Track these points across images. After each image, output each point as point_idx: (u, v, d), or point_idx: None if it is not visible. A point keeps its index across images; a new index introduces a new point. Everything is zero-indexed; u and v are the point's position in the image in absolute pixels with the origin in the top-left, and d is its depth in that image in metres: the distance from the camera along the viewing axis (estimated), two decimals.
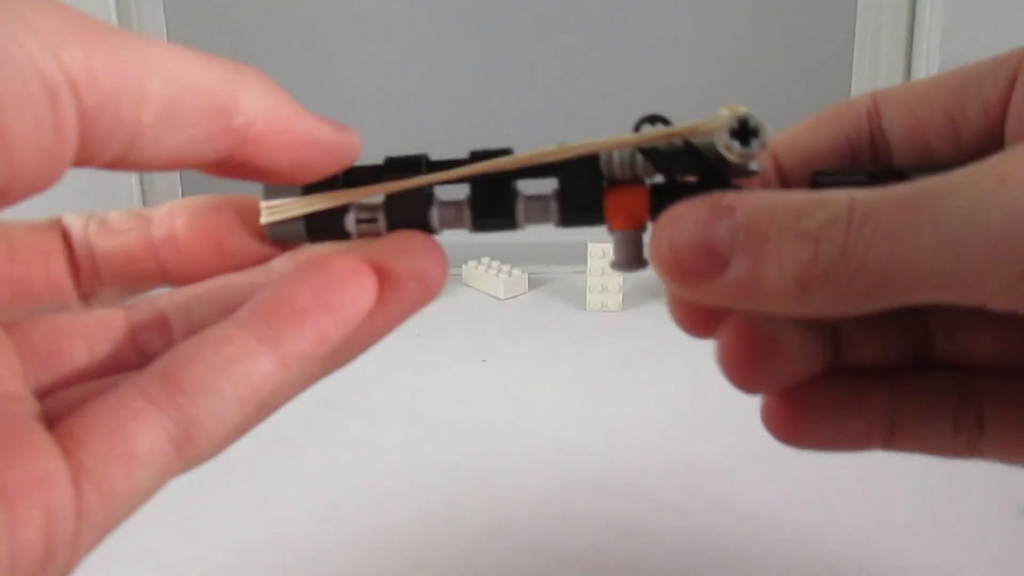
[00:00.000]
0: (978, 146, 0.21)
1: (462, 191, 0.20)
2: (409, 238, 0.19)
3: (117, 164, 0.16)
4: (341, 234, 0.20)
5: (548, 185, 0.20)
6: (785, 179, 0.22)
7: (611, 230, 0.20)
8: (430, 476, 0.48)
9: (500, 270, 0.79)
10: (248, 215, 0.20)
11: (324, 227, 0.20)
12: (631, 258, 0.20)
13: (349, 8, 0.86)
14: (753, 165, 0.19)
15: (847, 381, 0.22)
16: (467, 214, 0.20)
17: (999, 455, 0.21)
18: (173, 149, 0.16)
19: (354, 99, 0.88)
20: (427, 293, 0.19)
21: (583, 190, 0.20)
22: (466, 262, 0.81)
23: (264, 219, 0.20)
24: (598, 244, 0.74)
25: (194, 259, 0.20)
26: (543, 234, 0.89)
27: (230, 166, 0.18)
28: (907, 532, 0.42)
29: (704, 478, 0.46)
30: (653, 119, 0.19)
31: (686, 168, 0.19)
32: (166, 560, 0.41)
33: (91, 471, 0.15)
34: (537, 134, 0.88)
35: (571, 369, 0.61)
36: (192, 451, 0.16)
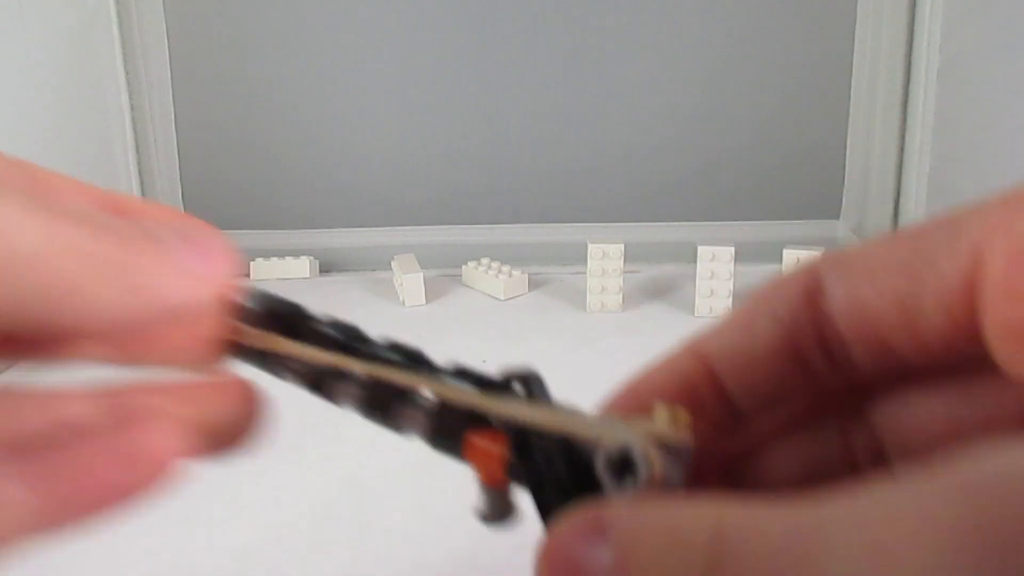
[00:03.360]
0: (947, 353, 0.15)
1: None
2: (231, 392, 0.17)
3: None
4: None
5: None
6: (727, 401, 0.18)
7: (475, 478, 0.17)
8: (430, 476, 0.48)
9: (500, 271, 0.79)
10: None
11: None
12: (495, 513, 0.18)
13: (350, 9, 0.86)
14: (625, 493, 0.15)
15: None
16: (355, 403, 0.18)
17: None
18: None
19: (354, 100, 0.88)
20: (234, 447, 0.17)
21: (451, 427, 0.18)
22: (466, 263, 0.81)
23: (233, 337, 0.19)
24: (598, 245, 0.74)
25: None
26: (543, 234, 0.90)
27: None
28: None
29: None
30: (524, 379, 0.17)
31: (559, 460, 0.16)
32: (166, 560, 0.41)
33: None
34: (537, 136, 0.88)
35: (571, 369, 0.61)
36: None
